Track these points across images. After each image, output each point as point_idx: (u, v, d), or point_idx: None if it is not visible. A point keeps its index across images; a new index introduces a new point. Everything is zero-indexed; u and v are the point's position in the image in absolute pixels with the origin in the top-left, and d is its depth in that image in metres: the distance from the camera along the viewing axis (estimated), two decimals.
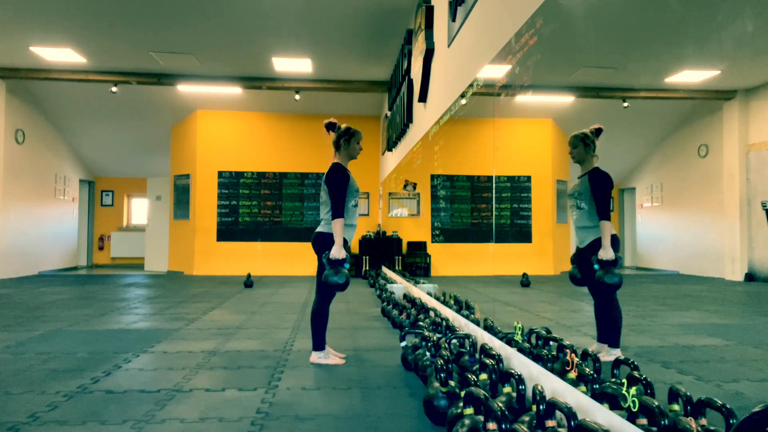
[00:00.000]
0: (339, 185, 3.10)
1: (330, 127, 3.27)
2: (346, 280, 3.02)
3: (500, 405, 1.76)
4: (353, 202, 3.21)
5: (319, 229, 3.21)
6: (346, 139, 3.24)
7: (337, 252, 3.03)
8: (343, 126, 3.28)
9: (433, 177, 8.53)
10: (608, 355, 2.77)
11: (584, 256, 2.93)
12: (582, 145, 2.92)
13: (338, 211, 3.07)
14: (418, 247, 9.03)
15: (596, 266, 2.77)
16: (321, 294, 3.22)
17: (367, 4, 5.93)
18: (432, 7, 5.26)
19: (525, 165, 8.37)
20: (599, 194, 2.85)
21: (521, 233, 8.31)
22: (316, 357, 3.24)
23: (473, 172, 8.59)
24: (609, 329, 2.86)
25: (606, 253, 2.75)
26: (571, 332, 3.89)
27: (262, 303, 5.95)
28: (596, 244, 2.85)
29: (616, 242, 2.81)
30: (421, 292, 5.51)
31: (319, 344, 3.24)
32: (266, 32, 6.68)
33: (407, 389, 2.70)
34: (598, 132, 2.93)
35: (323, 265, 3.11)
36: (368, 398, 2.55)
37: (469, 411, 1.91)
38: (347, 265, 3.07)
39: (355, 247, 9.88)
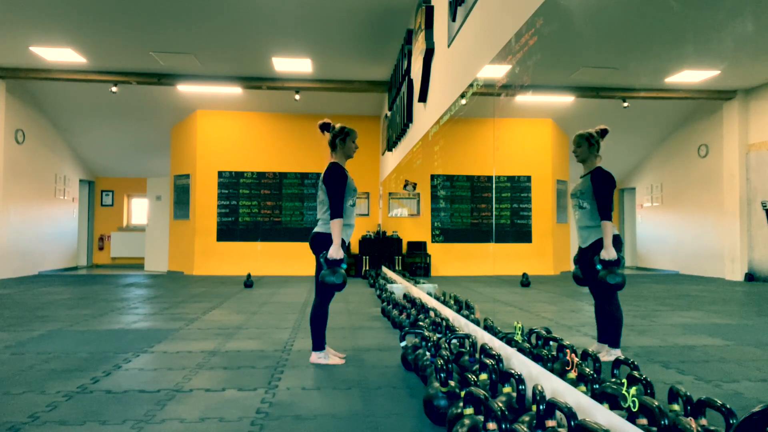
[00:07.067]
0: (337, 185, 3.10)
1: (324, 127, 3.27)
2: (343, 281, 3.03)
3: (500, 405, 1.76)
4: (351, 201, 3.21)
5: (316, 229, 3.21)
6: (341, 139, 3.25)
7: (334, 252, 3.03)
8: (338, 126, 3.28)
9: (433, 177, 8.54)
10: (608, 355, 2.77)
11: (586, 256, 2.94)
12: (586, 144, 2.92)
13: (336, 211, 3.07)
14: (418, 247, 9.03)
15: (599, 266, 2.77)
16: (320, 294, 3.22)
17: (367, 4, 5.93)
18: (432, 7, 5.26)
19: (525, 165, 8.37)
20: (601, 194, 2.86)
21: (521, 233, 8.31)
22: (316, 357, 3.25)
23: (473, 172, 8.60)
24: (610, 330, 2.85)
25: (608, 253, 2.75)
26: (571, 332, 3.89)
27: (262, 303, 5.95)
28: (598, 243, 2.85)
29: (618, 242, 2.81)
30: (421, 292, 5.51)
31: (318, 344, 3.24)
32: (266, 32, 6.68)
33: (407, 389, 2.70)
34: (603, 133, 2.94)
35: (321, 265, 3.11)
36: (368, 398, 2.55)
37: (469, 411, 1.91)
38: (344, 266, 3.08)
39: (355, 247, 9.88)
